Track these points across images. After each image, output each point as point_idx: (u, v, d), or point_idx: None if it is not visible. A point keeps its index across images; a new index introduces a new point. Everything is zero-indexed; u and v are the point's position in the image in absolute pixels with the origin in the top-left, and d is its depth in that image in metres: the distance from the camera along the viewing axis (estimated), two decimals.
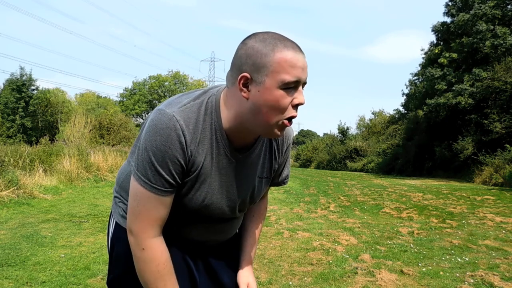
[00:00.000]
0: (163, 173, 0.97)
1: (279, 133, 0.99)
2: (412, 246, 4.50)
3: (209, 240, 1.21)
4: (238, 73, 0.96)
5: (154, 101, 58.99)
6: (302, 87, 0.97)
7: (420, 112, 21.82)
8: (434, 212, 6.98)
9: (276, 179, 1.26)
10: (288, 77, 0.92)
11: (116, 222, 1.22)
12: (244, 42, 0.98)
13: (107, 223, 1.37)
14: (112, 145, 18.73)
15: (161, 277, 1.03)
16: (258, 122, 0.97)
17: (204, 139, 1.01)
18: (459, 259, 3.94)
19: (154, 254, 1.03)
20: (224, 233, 1.23)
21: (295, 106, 0.97)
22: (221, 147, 1.04)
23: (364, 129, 39.24)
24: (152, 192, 0.98)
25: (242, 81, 0.95)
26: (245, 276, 1.26)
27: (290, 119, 0.97)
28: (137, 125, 47.59)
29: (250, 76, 0.94)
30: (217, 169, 1.06)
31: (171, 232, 1.15)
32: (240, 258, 1.29)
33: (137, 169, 0.99)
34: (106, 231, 1.32)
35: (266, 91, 0.93)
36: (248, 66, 0.95)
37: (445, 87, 18.89)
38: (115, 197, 1.25)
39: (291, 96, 0.94)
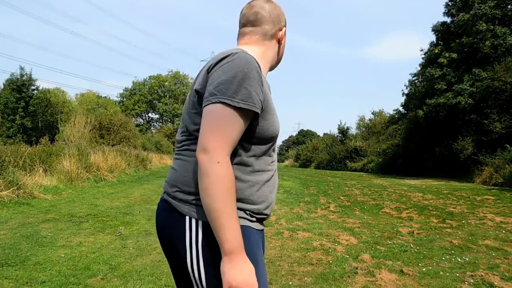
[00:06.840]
0: (252, 90, 1.06)
1: None
2: (412, 246, 4.50)
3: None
4: (277, 28, 1.32)
5: (154, 101, 58.94)
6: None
7: (420, 112, 21.82)
8: (434, 212, 6.98)
9: None
10: None
11: (203, 222, 1.10)
12: (266, 2, 1.31)
13: (169, 236, 1.16)
14: (112, 145, 18.73)
15: (232, 195, 1.03)
16: (279, 59, 1.38)
17: (263, 76, 1.18)
18: (459, 259, 3.94)
19: (229, 170, 1.04)
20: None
21: None
22: (267, 86, 1.22)
23: (364, 129, 39.25)
24: (237, 111, 1.05)
25: (282, 32, 1.34)
26: None
27: None
28: (137, 125, 47.42)
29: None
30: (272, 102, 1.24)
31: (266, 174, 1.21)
32: None
33: (221, 94, 1.05)
34: (170, 244, 1.15)
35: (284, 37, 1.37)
36: (284, 22, 1.35)
37: (445, 87, 18.90)
38: (186, 201, 1.13)
39: None
